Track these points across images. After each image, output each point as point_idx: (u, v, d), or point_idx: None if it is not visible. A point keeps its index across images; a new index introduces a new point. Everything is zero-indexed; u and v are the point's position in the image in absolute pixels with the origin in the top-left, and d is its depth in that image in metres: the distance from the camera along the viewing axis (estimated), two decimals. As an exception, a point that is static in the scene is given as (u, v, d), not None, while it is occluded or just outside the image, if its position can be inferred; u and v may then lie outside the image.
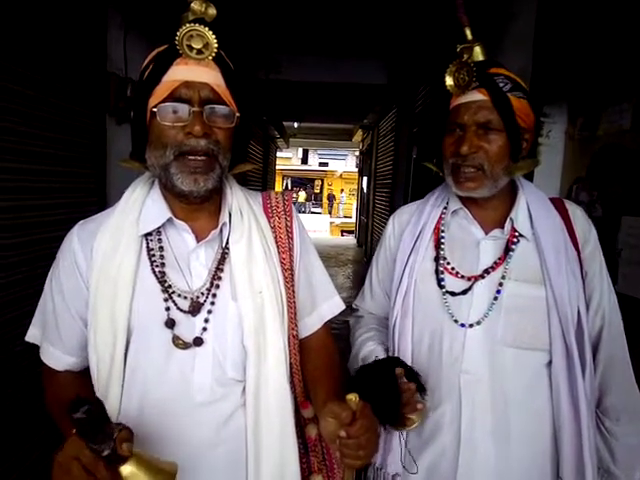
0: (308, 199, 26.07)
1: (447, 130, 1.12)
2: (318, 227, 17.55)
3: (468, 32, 1.08)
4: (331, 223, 19.20)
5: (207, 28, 0.86)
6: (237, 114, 0.91)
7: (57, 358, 0.98)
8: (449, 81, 1.08)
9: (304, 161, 26.03)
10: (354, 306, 1.39)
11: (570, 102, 2.23)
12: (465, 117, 1.06)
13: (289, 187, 25.84)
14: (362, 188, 12.71)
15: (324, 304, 1.11)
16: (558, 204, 1.14)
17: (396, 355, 1.14)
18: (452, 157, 1.09)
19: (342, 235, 17.83)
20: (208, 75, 0.87)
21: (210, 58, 0.87)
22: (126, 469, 0.72)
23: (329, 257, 10.57)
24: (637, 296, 1.66)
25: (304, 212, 23.24)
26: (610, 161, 1.93)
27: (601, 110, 1.99)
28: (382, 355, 1.13)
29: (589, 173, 2.07)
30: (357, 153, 17.24)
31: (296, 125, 11.15)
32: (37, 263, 2.09)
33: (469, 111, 1.06)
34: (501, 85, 1.05)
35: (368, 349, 1.18)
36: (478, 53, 1.07)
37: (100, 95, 2.64)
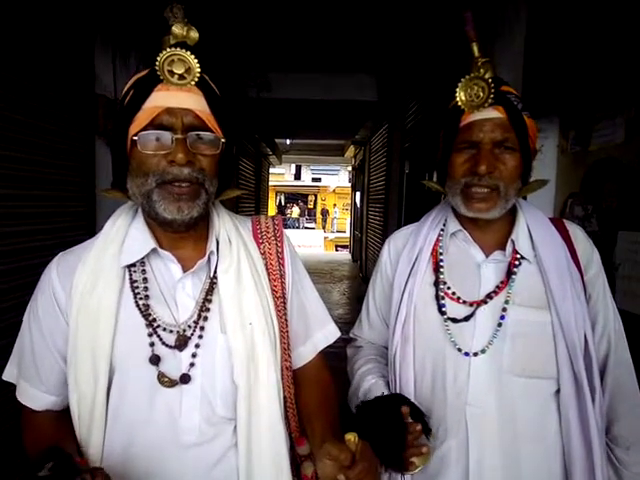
0: (302, 214, 26.10)
1: (455, 148, 1.05)
2: (312, 242, 17.54)
3: (475, 48, 1.03)
4: (325, 238, 19.19)
5: (189, 52, 0.82)
6: (223, 140, 0.88)
7: (35, 397, 0.93)
8: (462, 96, 1.01)
9: (297, 177, 26.12)
10: (352, 335, 1.33)
11: (561, 116, 2.22)
12: (480, 134, 1.00)
13: (282, 203, 25.90)
14: (355, 203, 12.74)
15: (318, 332, 1.06)
16: (559, 225, 1.10)
17: (398, 386, 1.10)
18: (465, 176, 1.03)
19: (336, 250, 17.81)
20: (191, 101, 0.84)
21: (193, 83, 0.83)
22: None
23: (324, 273, 10.53)
24: (635, 312, 1.63)
25: (298, 227, 23.25)
26: (604, 175, 1.92)
27: (593, 123, 1.98)
28: (384, 390, 1.08)
29: (583, 187, 2.05)
30: (349, 168, 17.32)
31: (288, 142, 11.20)
32: (26, 290, 2.03)
33: (484, 128, 1.00)
34: (515, 103, 1.02)
35: (368, 384, 1.13)
36: (489, 70, 1.03)
37: (88, 117, 2.62)
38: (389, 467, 0.92)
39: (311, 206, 27.18)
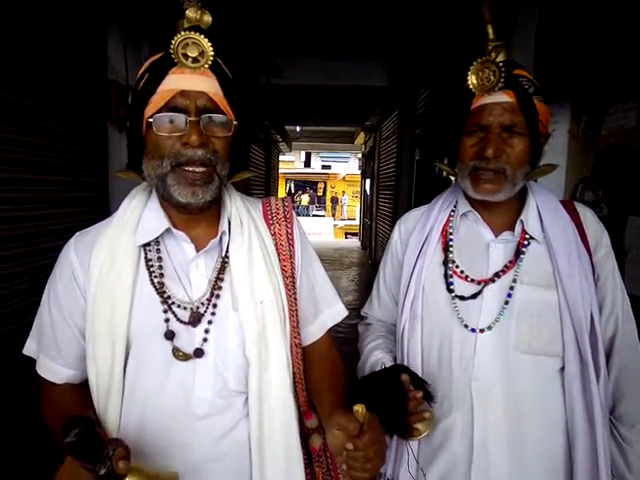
0: (311, 202, 26.05)
1: (466, 131, 1.07)
2: (322, 230, 17.55)
3: (490, 30, 1.03)
4: (335, 226, 19.17)
5: (202, 36, 0.84)
6: (235, 122, 0.90)
7: (55, 371, 0.97)
8: (473, 80, 1.03)
9: (307, 164, 26.08)
10: (362, 313, 1.37)
11: (573, 101, 2.21)
12: (490, 118, 1.02)
13: (292, 190, 25.84)
14: (365, 190, 12.70)
15: (326, 311, 1.09)
16: (569, 207, 1.12)
17: (405, 361, 1.12)
18: (473, 159, 1.05)
19: (346, 237, 17.82)
20: (204, 84, 0.86)
21: (206, 66, 0.85)
22: None
23: (333, 260, 10.56)
24: (645, 296, 1.64)
25: (307, 215, 23.21)
26: (615, 160, 1.91)
27: (605, 108, 1.97)
28: (389, 364, 1.11)
29: (594, 172, 2.05)
30: (360, 155, 17.26)
31: (298, 129, 11.16)
32: (39, 273, 2.08)
33: (494, 112, 1.02)
34: (526, 87, 1.02)
35: (375, 358, 1.16)
36: (502, 53, 1.03)
37: (101, 103, 2.64)
38: (393, 434, 0.94)
39: (320, 193, 27.12)
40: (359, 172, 17.74)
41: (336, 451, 0.81)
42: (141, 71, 0.90)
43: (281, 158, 14.27)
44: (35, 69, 2.06)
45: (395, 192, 6.94)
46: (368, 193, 11.75)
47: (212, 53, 0.85)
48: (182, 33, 0.83)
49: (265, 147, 9.39)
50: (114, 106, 2.74)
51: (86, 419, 0.71)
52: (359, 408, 0.79)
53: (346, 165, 25.62)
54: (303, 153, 25.11)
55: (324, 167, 26.29)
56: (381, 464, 0.83)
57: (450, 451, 1.08)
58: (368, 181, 11.83)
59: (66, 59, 2.31)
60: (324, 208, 25.63)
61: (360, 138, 12.22)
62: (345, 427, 0.78)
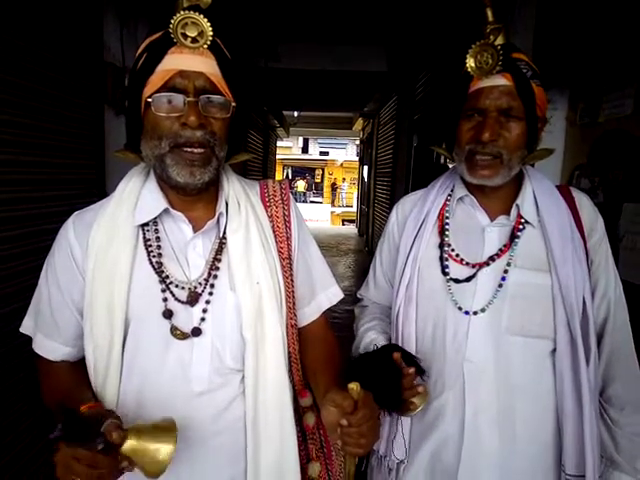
0: (309, 189, 25.94)
1: (463, 115, 1.07)
2: (319, 216, 17.55)
3: (490, 13, 1.03)
4: (332, 212, 19.17)
5: (202, 15, 0.84)
6: (233, 104, 0.90)
7: (52, 349, 0.98)
8: (471, 63, 1.02)
9: (304, 150, 25.94)
10: (359, 296, 1.38)
11: (571, 88, 2.21)
12: (487, 102, 1.02)
13: (289, 176, 25.71)
14: (363, 177, 12.67)
15: (322, 293, 1.11)
16: (564, 192, 1.12)
17: (400, 342, 1.14)
18: (469, 143, 1.06)
19: (343, 224, 17.83)
20: (203, 64, 0.86)
21: (205, 46, 0.85)
22: (127, 448, 0.74)
23: (330, 246, 10.58)
24: (638, 283, 1.66)
25: (305, 202, 23.12)
26: (612, 147, 1.92)
27: (602, 95, 1.97)
28: (382, 344, 1.12)
29: (590, 159, 2.05)
30: (357, 142, 17.18)
31: (296, 114, 11.09)
32: (39, 255, 2.08)
33: (491, 96, 1.02)
34: (524, 71, 1.02)
35: (369, 339, 1.18)
36: (500, 36, 1.03)
37: (98, 85, 2.62)
38: (390, 410, 0.96)
39: (318, 180, 27.00)
40: (357, 158, 17.67)
41: (331, 428, 0.84)
42: (139, 50, 0.89)
43: (279, 144, 14.18)
44: (31, 52, 2.05)
45: (392, 179, 6.93)
46: (365, 180, 11.72)
47: (211, 33, 0.84)
48: (181, 12, 0.83)
49: (263, 133, 9.34)
50: (111, 89, 2.72)
51: (69, 411, 0.73)
52: (354, 386, 0.81)
53: (344, 151, 25.52)
54: (301, 139, 24.98)
55: (322, 153, 26.16)
56: (375, 440, 0.85)
57: (441, 430, 1.10)
58: (366, 168, 11.79)
59: (62, 42, 2.28)
60: (321, 195, 25.55)
61: (358, 124, 12.15)
62: (340, 404, 0.80)
